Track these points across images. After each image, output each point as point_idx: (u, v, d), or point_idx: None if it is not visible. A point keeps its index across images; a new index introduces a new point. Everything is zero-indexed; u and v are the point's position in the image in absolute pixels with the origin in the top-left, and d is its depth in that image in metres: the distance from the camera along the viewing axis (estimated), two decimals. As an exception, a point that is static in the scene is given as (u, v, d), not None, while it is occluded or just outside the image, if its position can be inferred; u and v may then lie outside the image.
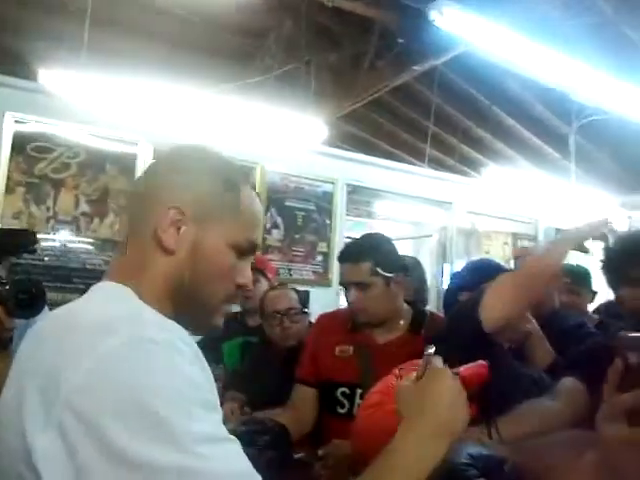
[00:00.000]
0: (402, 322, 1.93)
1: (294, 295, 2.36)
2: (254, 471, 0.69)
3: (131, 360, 0.66)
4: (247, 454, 0.70)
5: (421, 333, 1.84)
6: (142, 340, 0.68)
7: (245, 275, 0.88)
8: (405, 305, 1.98)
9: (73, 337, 0.70)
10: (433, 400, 0.88)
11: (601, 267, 1.76)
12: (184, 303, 0.83)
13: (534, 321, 1.88)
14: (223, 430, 0.69)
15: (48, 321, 0.79)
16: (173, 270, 0.82)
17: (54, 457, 0.63)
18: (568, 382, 1.51)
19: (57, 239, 3.43)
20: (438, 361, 0.94)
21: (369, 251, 1.85)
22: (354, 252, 1.89)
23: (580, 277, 2.77)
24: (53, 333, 0.74)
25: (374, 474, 0.82)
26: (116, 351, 0.66)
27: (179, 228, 0.81)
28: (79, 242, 3.50)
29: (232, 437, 0.70)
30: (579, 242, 1.64)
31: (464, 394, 0.90)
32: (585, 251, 1.67)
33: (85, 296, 0.81)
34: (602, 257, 1.72)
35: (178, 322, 0.82)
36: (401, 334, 1.90)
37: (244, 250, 0.86)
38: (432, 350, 0.97)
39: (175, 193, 0.82)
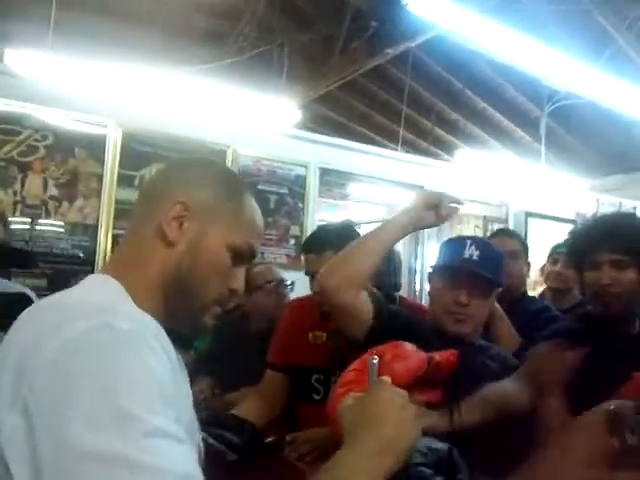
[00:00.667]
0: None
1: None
2: (202, 477, 0.68)
3: (93, 345, 0.66)
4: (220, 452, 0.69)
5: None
6: (108, 327, 0.68)
7: (239, 281, 0.91)
8: (375, 290, 1.96)
9: (46, 320, 0.72)
10: (376, 416, 0.84)
11: (567, 250, 1.78)
12: (176, 297, 0.85)
13: (498, 306, 1.91)
14: (178, 429, 0.68)
15: (32, 307, 0.80)
16: (171, 262, 0.85)
17: (17, 438, 0.63)
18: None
19: (25, 223, 3.37)
20: (384, 376, 0.90)
21: (332, 241, 1.85)
22: (317, 243, 1.90)
23: None
24: (32, 318, 0.76)
25: None
26: (80, 335, 0.67)
27: (182, 223, 0.85)
28: (47, 226, 3.44)
29: (184, 438, 0.68)
30: (415, 221, 1.53)
31: (411, 410, 0.86)
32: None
33: (74, 286, 0.83)
34: (568, 240, 1.74)
35: (167, 320, 0.84)
36: None
37: (242, 254, 0.90)
38: (376, 361, 0.93)
39: (182, 191, 0.87)
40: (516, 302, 2.18)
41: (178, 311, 0.86)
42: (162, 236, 0.85)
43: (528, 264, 2.45)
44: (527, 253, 2.43)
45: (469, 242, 1.54)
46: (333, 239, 1.87)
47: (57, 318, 0.71)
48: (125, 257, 0.88)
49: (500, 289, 1.63)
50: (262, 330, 2.29)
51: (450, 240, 1.68)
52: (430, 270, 1.68)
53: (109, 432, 0.61)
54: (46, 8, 3.64)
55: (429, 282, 1.67)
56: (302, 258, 2.02)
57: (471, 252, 1.51)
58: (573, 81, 3.93)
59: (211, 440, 1.48)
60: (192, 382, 2.26)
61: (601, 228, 1.57)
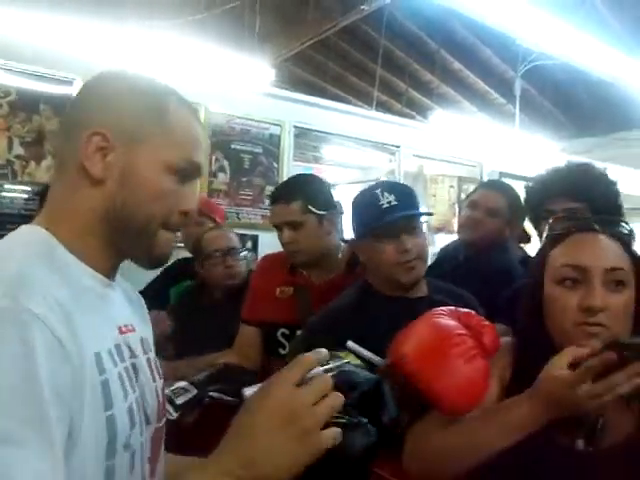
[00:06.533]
0: (339, 261, 1.91)
1: (234, 236, 2.32)
2: None
3: None
4: None
5: (357, 272, 1.72)
6: None
7: (189, 200, 0.80)
8: (342, 244, 1.96)
9: None
10: (250, 424, 0.62)
11: (524, 205, 1.76)
12: (117, 234, 0.77)
13: None
14: (29, 431, 0.55)
15: None
16: (102, 202, 0.75)
17: None
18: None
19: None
20: (302, 361, 0.65)
21: (299, 190, 1.84)
22: (284, 192, 1.87)
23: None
24: None
25: None
26: None
27: (105, 156, 0.75)
28: (15, 186, 3.33)
29: (44, 441, 0.56)
30: None
31: (309, 424, 0.61)
32: None
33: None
34: (524, 195, 1.73)
35: (120, 255, 0.79)
36: (338, 274, 1.88)
37: (184, 172, 0.79)
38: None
39: (97, 117, 0.76)
40: (486, 250, 2.03)
41: (126, 247, 0.79)
42: (86, 174, 0.75)
43: (511, 223, 2.11)
44: (514, 210, 2.08)
45: (379, 190, 1.45)
46: (299, 188, 1.85)
47: None
48: (54, 205, 0.78)
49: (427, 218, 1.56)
50: (218, 300, 2.26)
51: (360, 198, 1.55)
52: (354, 240, 1.60)
53: None
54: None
55: (360, 253, 1.58)
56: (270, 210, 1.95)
57: (387, 199, 1.43)
58: (546, 39, 3.90)
59: (217, 395, 1.56)
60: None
61: (553, 180, 1.57)
